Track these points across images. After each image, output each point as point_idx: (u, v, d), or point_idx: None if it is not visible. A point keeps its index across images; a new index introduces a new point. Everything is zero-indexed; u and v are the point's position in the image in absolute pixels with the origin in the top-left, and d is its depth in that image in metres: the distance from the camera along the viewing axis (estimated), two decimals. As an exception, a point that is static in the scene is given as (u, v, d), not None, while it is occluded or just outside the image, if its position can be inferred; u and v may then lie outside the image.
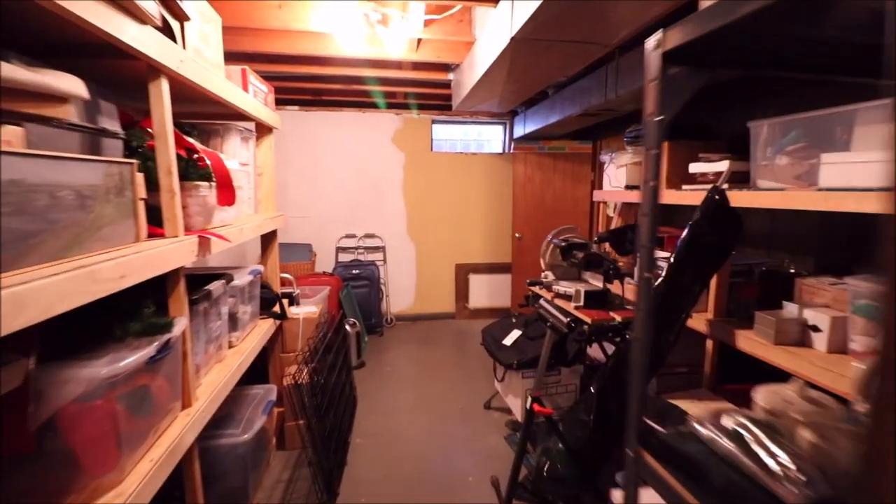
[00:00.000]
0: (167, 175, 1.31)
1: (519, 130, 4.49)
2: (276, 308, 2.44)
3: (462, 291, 5.04)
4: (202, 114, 2.09)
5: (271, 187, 2.54)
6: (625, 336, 1.96)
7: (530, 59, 2.18)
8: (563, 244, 2.18)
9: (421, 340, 4.38)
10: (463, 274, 5.03)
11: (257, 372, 2.37)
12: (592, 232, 4.53)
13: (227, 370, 1.69)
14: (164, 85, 1.29)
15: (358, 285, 4.36)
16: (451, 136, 5.09)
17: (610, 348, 2.14)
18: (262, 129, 2.45)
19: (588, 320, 2.04)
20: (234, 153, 2.14)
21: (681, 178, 2.42)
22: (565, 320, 1.78)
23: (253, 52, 2.71)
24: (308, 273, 4.07)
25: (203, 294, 1.51)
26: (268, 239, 2.57)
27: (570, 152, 4.49)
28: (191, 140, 1.53)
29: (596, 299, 2.16)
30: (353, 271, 4.42)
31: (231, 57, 2.09)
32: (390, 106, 4.63)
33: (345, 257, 4.79)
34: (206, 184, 1.52)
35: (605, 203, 3.30)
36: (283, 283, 2.94)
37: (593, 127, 4.10)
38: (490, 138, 5.16)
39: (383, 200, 4.86)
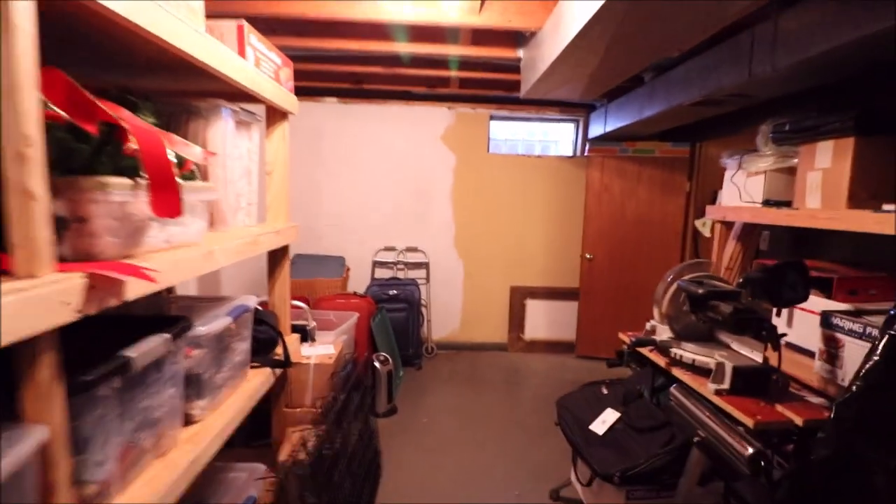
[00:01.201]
0: (16, 162, 0.69)
1: (597, 129, 3.69)
2: (279, 350, 1.82)
3: (517, 319, 4.27)
4: (201, 93, 1.51)
5: (283, 191, 1.92)
6: (809, 450, 1.17)
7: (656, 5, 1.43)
8: (700, 291, 1.40)
9: (466, 379, 3.66)
10: (519, 298, 4.26)
11: (258, 423, 1.75)
12: (685, 258, 3.64)
13: (169, 475, 1.05)
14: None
15: (394, 308, 3.70)
16: (512, 135, 4.36)
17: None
18: (274, 115, 1.84)
19: (748, 422, 1.25)
20: (225, 143, 1.54)
21: (873, 192, 1.63)
22: (747, 452, 1.00)
23: (271, 17, 2.14)
24: (338, 292, 3.46)
25: (110, 369, 0.88)
26: (276, 257, 1.96)
27: (660, 156, 3.63)
28: (123, 112, 0.92)
29: (751, 381, 1.36)
30: (390, 292, 3.77)
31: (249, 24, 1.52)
32: (441, 98, 3.97)
33: (382, 273, 4.17)
34: (125, 181, 0.89)
35: (698, 220, 2.52)
36: (295, 309, 2.34)
37: (691, 126, 3.24)
38: (558, 139, 4.38)
39: (429, 209, 4.19)
